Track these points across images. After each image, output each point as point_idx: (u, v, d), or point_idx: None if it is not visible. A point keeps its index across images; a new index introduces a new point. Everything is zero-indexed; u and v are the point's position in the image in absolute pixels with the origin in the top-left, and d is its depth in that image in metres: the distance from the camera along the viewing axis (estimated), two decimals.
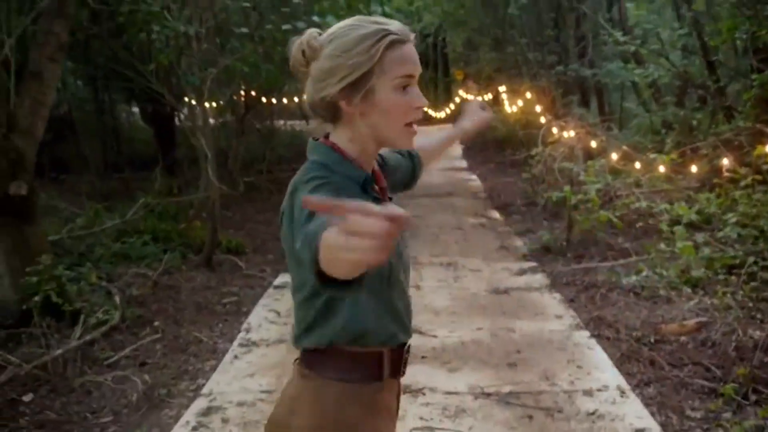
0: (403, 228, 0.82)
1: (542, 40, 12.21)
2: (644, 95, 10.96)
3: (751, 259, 4.74)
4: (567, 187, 6.46)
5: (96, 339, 4.12)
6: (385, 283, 1.38)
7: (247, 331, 4.44)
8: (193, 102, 6.16)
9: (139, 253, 5.85)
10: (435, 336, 4.25)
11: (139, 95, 10.34)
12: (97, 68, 10.07)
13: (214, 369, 3.85)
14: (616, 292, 4.90)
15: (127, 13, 5.89)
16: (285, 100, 10.32)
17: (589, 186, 6.37)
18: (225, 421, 3.23)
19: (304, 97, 1.43)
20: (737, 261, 4.85)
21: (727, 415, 3.16)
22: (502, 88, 12.51)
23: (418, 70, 1.38)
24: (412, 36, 1.38)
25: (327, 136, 1.43)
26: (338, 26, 1.37)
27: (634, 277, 5.04)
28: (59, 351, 3.81)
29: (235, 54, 6.30)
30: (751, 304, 4.29)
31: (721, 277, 4.77)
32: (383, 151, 1.54)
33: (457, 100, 18.50)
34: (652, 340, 4.02)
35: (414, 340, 4.07)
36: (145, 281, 5.21)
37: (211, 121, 7.10)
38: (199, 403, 3.42)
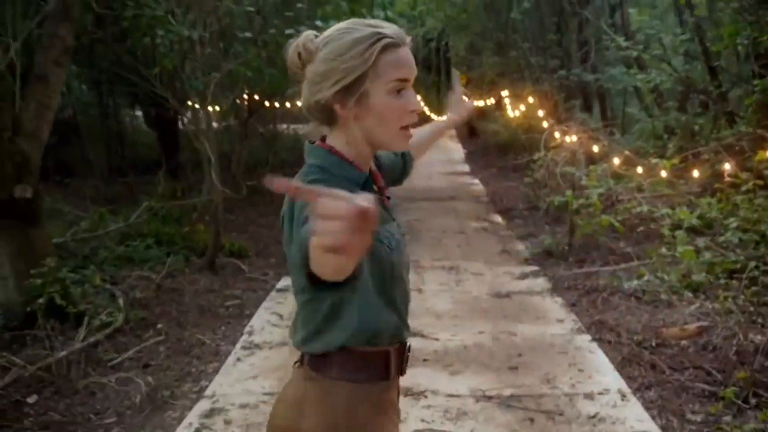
0: (372, 212, 0.81)
1: (545, 44, 12.24)
2: (646, 100, 10.97)
3: (752, 263, 4.75)
4: (569, 192, 6.48)
5: (100, 341, 4.14)
6: (388, 282, 1.39)
7: (250, 333, 4.46)
8: (197, 106, 6.18)
9: (143, 256, 5.87)
10: (437, 339, 4.27)
11: (143, 99, 10.40)
12: (101, 72, 10.13)
13: (216, 371, 3.88)
14: (618, 296, 4.92)
15: (132, 17, 5.92)
16: (288, 104, 10.34)
17: (591, 190, 6.39)
18: (228, 422, 3.25)
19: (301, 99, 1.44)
20: (738, 266, 4.87)
21: (728, 418, 3.18)
22: (504, 93, 12.55)
23: (413, 73, 1.37)
24: (408, 39, 1.37)
25: (323, 139, 1.43)
26: (333, 29, 1.37)
27: (635, 282, 5.05)
28: (63, 353, 3.84)
29: (239, 58, 6.33)
30: (752, 309, 4.30)
31: (722, 281, 4.79)
32: None
33: None
34: (653, 344, 4.03)
35: (416, 343, 4.11)
36: (148, 284, 5.24)
37: (215, 125, 7.13)
38: (202, 405, 3.44)
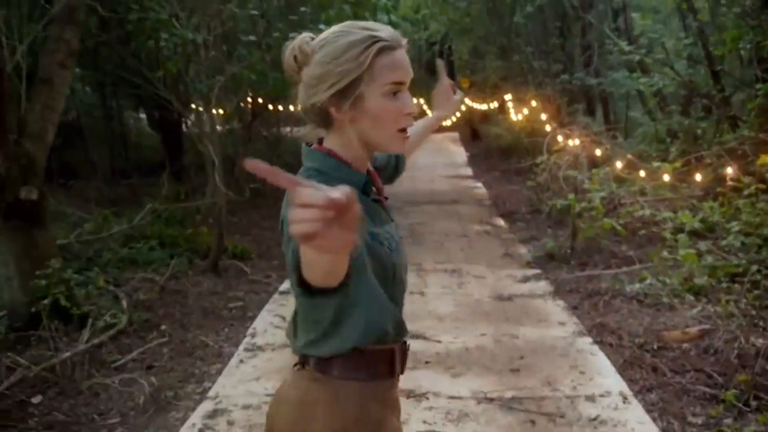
0: (345, 204, 0.80)
1: (548, 48, 12.27)
2: (649, 104, 10.98)
3: (754, 267, 4.76)
4: (571, 195, 6.49)
5: (104, 342, 4.17)
6: (390, 283, 1.40)
7: (253, 335, 4.48)
8: (201, 109, 6.22)
9: (147, 258, 5.90)
10: (439, 341, 4.28)
11: (146, 102, 10.44)
12: (105, 75, 10.17)
13: (220, 372, 3.90)
14: (620, 299, 4.93)
15: (136, 20, 5.96)
16: (292, 108, 10.37)
17: (594, 194, 6.40)
18: (231, 423, 3.27)
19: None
20: (740, 269, 4.88)
21: (728, 421, 3.18)
22: (507, 96, 12.59)
23: (408, 76, 1.36)
24: (404, 42, 1.37)
25: (320, 141, 1.43)
26: (329, 32, 1.36)
27: (637, 285, 5.06)
28: (67, 354, 3.86)
29: (243, 62, 6.36)
30: (753, 312, 4.30)
31: (724, 285, 4.79)
32: None
33: (463, 107, 18.56)
34: (655, 347, 4.04)
35: (418, 346, 4.14)
36: (152, 286, 5.26)
37: (218, 127, 7.16)
38: (205, 406, 3.46)
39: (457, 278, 5.74)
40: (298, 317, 1.42)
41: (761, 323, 4.16)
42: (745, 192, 5.51)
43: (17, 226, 4.33)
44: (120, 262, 5.77)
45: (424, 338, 4.32)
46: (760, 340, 3.84)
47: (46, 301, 4.09)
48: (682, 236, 5.32)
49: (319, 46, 1.34)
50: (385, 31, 1.34)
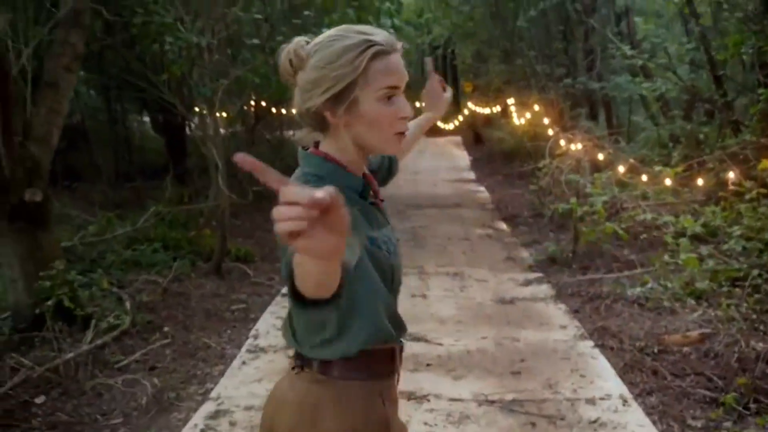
0: (327, 203, 0.80)
1: (551, 52, 12.29)
2: (652, 109, 10.99)
3: (756, 271, 4.76)
4: (573, 199, 6.51)
5: (107, 343, 4.19)
6: (389, 285, 1.41)
7: (255, 337, 4.50)
8: (205, 112, 6.25)
9: (150, 260, 5.93)
10: (440, 344, 4.30)
11: (151, 105, 10.49)
12: (110, 78, 10.22)
13: (222, 374, 3.92)
14: (621, 303, 4.94)
15: (141, 24, 5.99)
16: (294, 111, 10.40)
17: (596, 198, 6.42)
18: (233, 424, 3.30)
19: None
20: (741, 274, 4.88)
21: (728, 424, 3.20)
22: (510, 100, 12.61)
23: (403, 80, 1.36)
24: (399, 46, 1.36)
25: (316, 144, 1.43)
26: (324, 36, 1.36)
27: (638, 289, 5.07)
28: (71, 354, 3.89)
29: (247, 65, 6.40)
30: (754, 316, 4.31)
31: (725, 289, 4.80)
32: None
33: (466, 111, 18.62)
34: (656, 350, 4.05)
35: (420, 348, 4.15)
36: (155, 288, 5.29)
37: (222, 131, 7.19)
38: (208, 407, 3.49)
39: (459, 281, 5.76)
40: (298, 322, 1.41)
41: (762, 327, 4.16)
42: (747, 196, 5.53)
43: (22, 228, 4.36)
44: (123, 264, 5.79)
45: (426, 341, 4.34)
46: (761, 344, 3.85)
47: (50, 303, 4.11)
48: (683, 240, 5.33)
49: (314, 51, 1.34)
50: (380, 35, 1.34)
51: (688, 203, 6.58)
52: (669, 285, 5.01)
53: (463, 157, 16.27)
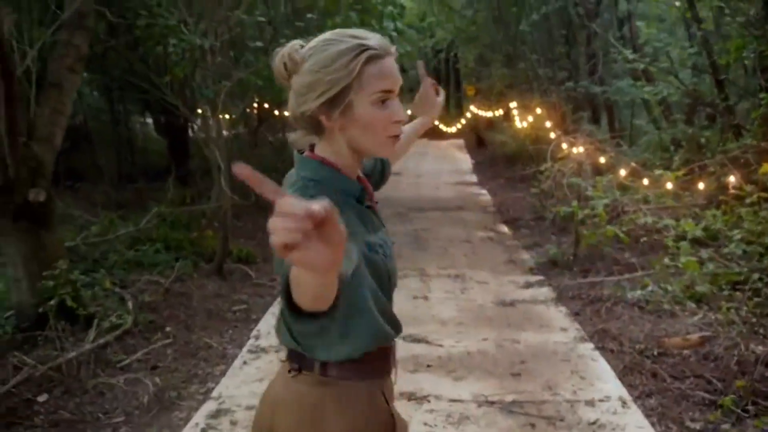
0: (322, 216, 0.80)
1: (553, 56, 12.33)
2: (654, 113, 11.01)
3: (756, 275, 4.78)
4: (575, 202, 6.53)
5: (109, 342, 4.21)
6: (386, 288, 1.42)
7: (257, 338, 4.52)
8: (207, 114, 6.27)
9: (152, 261, 5.95)
10: (441, 345, 4.32)
11: (153, 106, 10.52)
12: (113, 79, 10.25)
13: (223, 374, 3.94)
14: (621, 305, 4.95)
15: (144, 26, 6.02)
16: None
17: (597, 201, 6.43)
18: (233, 423, 3.31)
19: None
20: (742, 277, 4.90)
21: (726, 426, 3.21)
22: (513, 104, 12.64)
23: (397, 84, 1.37)
24: (392, 49, 1.37)
25: (312, 147, 1.44)
26: (318, 40, 1.37)
27: (639, 292, 5.09)
28: (73, 353, 3.92)
29: (249, 67, 6.42)
30: (754, 320, 4.32)
31: (725, 292, 4.82)
32: None
33: (468, 115, 18.66)
34: (655, 353, 4.06)
35: (420, 349, 4.17)
36: (157, 288, 5.31)
37: (225, 132, 7.22)
38: (209, 406, 3.51)
39: (461, 283, 5.77)
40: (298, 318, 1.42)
41: (761, 331, 4.18)
42: (748, 200, 5.54)
43: (25, 227, 4.38)
44: (126, 265, 5.81)
45: (427, 342, 4.36)
46: (760, 347, 3.86)
47: (52, 302, 4.13)
48: (684, 244, 5.35)
49: (308, 55, 1.35)
50: (373, 39, 1.35)
51: (689, 207, 6.60)
52: (669, 288, 5.02)
53: (465, 160, 16.29)
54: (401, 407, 3.32)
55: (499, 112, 15.84)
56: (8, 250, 4.41)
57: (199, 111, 6.87)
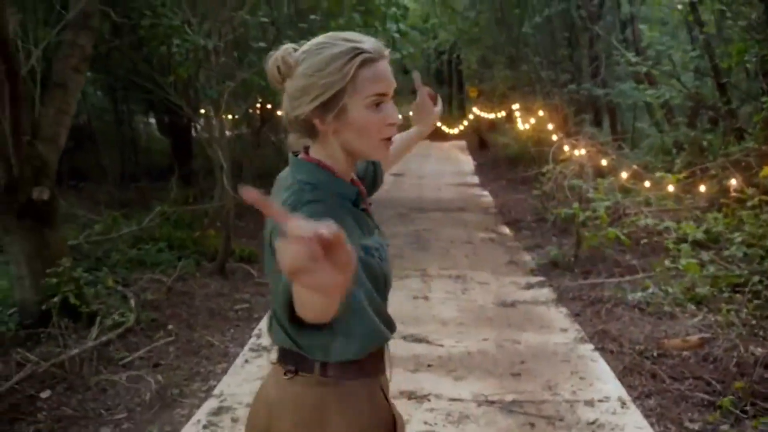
0: (331, 240, 0.80)
1: (556, 59, 12.35)
2: (657, 115, 11.03)
3: (756, 278, 4.80)
4: (576, 204, 6.55)
5: (111, 340, 4.24)
6: (382, 290, 1.42)
7: (258, 336, 4.54)
8: (210, 114, 6.30)
9: (155, 260, 5.98)
10: (441, 345, 4.34)
11: (157, 106, 10.56)
12: (117, 79, 10.28)
13: (225, 372, 3.97)
14: (622, 307, 4.97)
15: (149, 26, 6.05)
16: None
17: (598, 203, 6.45)
18: (235, 420, 3.34)
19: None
20: (742, 280, 4.92)
21: (725, 427, 3.23)
22: (515, 106, 12.67)
23: (391, 87, 1.37)
24: (386, 52, 1.37)
25: (306, 150, 1.44)
26: (312, 43, 1.36)
27: (639, 293, 5.10)
28: (76, 350, 3.94)
29: (253, 68, 6.45)
30: (754, 322, 4.34)
31: (725, 295, 4.83)
32: None
33: (471, 116, 18.69)
34: (655, 354, 4.08)
35: (421, 349, 4.19)
36: (159, 286, 5.34)
37: (228, 133, 7.24)
38: (210, 404, 3.53)
39: (462, 284, 5.79)
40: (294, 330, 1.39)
41: (761, 333, 4.20)
42: (749, 203, 5.57)
43: (29, 225, 4.41)
44: (128, 263, 5.84)
45: (427, 342, 4.38)
46: (759, 349, 3.88)
47: (56, 299, 4.15)
48: (684, 246, 5.37)
49: (302, 58, 1.35)
50: (367, 42, 1.35)
51: (691, 209, 6.62)
52: (670, 290, 5.04)
53: (467, 162, 16.31)
54: (402, 406, 3.34)
55: (502, 114, 15.88)
56: (12, 247, 4.44)
57: (203, 111, 6.90)
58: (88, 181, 9.94)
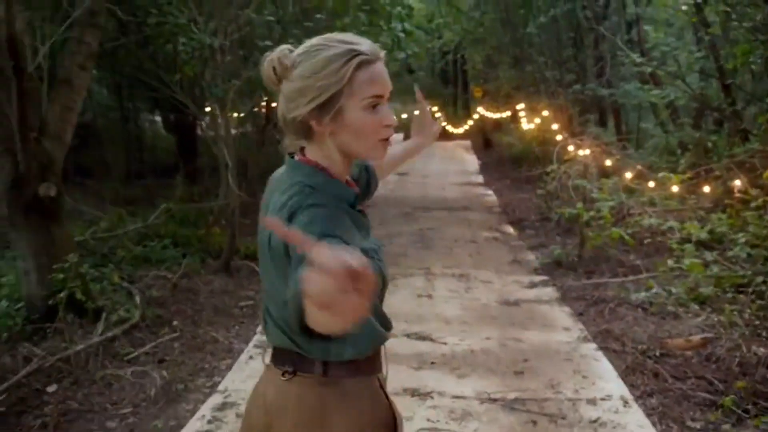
0: (364, 274, 0.80)
1: (561, 59, 12.34)
2: (662, 116, 11.03)
3: (760, 278, 4.81)
4: (580, 204, 6.55)
5: (117, 336, 4.27)
6: (380, 289, 1.42)
7: (263, 333, 4.56)
8: (216, 112, 6.33)
9: (160, 257, 6.01)
10: (445, 343, 4.36)
11: (162, 104, 10.59)
12: (122, 77, 10.33)
13: (229, 368, 3.99)
14: (625, 306, 4.98)
15: (155, 24, 6.08)
16: None
17: (602, 203, 6.46)
18: (239, 416, 3.36)
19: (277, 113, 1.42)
20: (745, 280, 4.92)
21: (727, 426, 3.24)
22: (520, 106, 12.67)
23: (387, 89, 1.37)
24: (382, 54, 1.37)
25: (302, 150, 1.44)
26: (308, 45, 1.36)
27: (643, 293, 5.11)
28: (82, 345, 3.98)
29: (258, 66, 6.47)
30: (757, 322, 4.35)
31: (729, 295, 4.84)
32: None
33: (476, 116, 18.69)
34: (658, 353, 4.09)
35: (425, 347, 4.21)
36: (164, 283, 5.37)
37: (233, 131, 7.27)
38: (215, 399, 3.56)
39: (465, 283, 5.81)
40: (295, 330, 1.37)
41: (764, 333, 4.20)
42: (753, 204, 5.57)
43: (36, 221, 4.44)
44: (134, 260, 5.88)
45: (431, 340, 4.40)
46: (762, 349, 3.89)
47: (62, 295, 4.18)
48: (688, 246, 5.38)
49: (298, 60, 1.35)
50: (364, 44, 1.35)
51: (695, 210, 6.62)
52: (673, 290, 5.04)
53: (472, 161, 16.32)
54: (405, 403, 3.38)
55: (506, 113, 15.87)
56: (19, 243, 4.48)
57: (208, 109, 6.92)
58: (93, 178, 9.98)
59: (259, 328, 4.65)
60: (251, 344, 4.36)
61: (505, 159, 15.07)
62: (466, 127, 18.86)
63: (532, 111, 11.75)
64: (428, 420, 3.32)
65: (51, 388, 3.60)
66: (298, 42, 1.43)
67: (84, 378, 3.74)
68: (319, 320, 1.00)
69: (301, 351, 1.37)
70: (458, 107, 24.91)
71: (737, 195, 5.94)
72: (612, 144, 9.43)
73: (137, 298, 4.86)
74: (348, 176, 1.48)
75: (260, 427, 1.43)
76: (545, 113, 10.77)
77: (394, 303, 1.34)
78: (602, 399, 3.55)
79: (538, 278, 5.95)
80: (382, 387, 1.50)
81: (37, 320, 4.31)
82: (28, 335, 4.20)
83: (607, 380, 3.79)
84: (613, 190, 6.97)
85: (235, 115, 7.93)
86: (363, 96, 1.33)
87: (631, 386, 3.72)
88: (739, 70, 7.68)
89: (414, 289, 5.53)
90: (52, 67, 5.13)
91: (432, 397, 3.56)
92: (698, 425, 3.29)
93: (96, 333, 4.21)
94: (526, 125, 11.98)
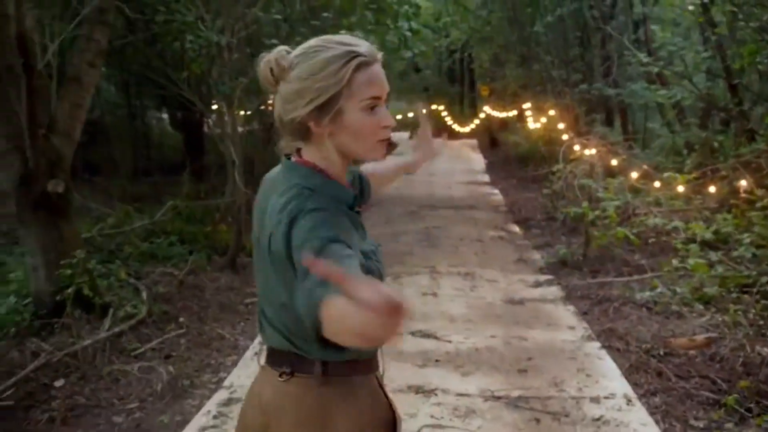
0: (404, 308, 0.81)
1: (568, 58, 12.34)
2: (668, 116, 11.01)
3: (764, 278, 4.80)
4: (586, 204, 6.56)
5: (124, 331, 4.31)
6: None
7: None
8: (223, 110, 6.35)
9: (166, 253, 6.05)
10: (449, 341, 4.37)
11: (170, 102, 10.63)
12: (130, 74, 10.37)
13: (235, 364, 4.03)
14: (629, 306, 4.98)
15: (162, 22, 6.11)
16: None
17: (608, 203, 6.46)
18: None
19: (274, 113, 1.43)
20: (750, 280, 4.92)
21: (729, 425, 3.25)
22: (526, 105, 12.67)
23: (385, 90, 1.37)
24: (379, 56, 1.37)
25: (299, 151, 1.43)
26: (306, 46, 1.36)
27: (647, 293, 5.12)
28: (89, 341, 4.02)
29: None
30: (761, 322, 4.35)
31: (733, 295, 4.84)
32: None
33: (482, 115, 18.69)
34: (661, 352, 4.10)
35: (429, 345, 4.23)
36: (171, 280, 5.41)
37: (239, 129, 7.30)
38: (221, 395, 3.59)
39: (470, 281, 5.82)
40: (297, 330, 1.35)
41: None
42: (759, 204, 5.57)
43: (44, 217, 4.48)
44: (141, 256, 5.92)
45: (436, 338, 4.42)
46: (766, 349, 3.89)
47: (70, 290, 4.22)
48: (693, 246, 5.38)
49: (296, 61, 1.35)
50: (362, 46, 1.35)
51: (700, 210, 6.62)
52: (678, 290, 5.05)
53: (478, 160, 16.32)
54: (409, 400, 3.40)
55: (513, 112, 15.87)
56: (27, 239, 4.52)
57: (215, 107, 6.96)
58: (100, 175, 10.03)
59: None
60: (256, 341, 4.38)
61: (511, 158, 15.07)
62: (473, 126, 18.87)
63: (539, 110, 11.76)
64: (432, 417, 3.33)
65: (58, 383, 3.64)
66: (305, 40, 1.43)
67: (91, 373, 3.78)
68: (345, 340, 1.01)
69: (299, 352, 1.37)
70: (465, 106, 24.91)
71: (743, 195, 5.94)
72: (618, 144, 9.42)
73: (144, 295, 4.90)
74: (345, 179, 1.48)
75: (256, 427, 1.42)
76: (552, 112, 10.79)
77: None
78: (606, 397, 3.57)
79: (543, 277, 5.96)
80: (381, 385, 1.51)
81: (44, 316, 4.35)
82: (36, 330, 4.24)
83: (610, 379, 3.80)
84: (618, 190, 6.98)
85: (242, 112, 7.95)
86: (362, 97, 1.33)
87: (635, 385, 3.73)
88: (746, 70, 7.66)
89: (419, 287, 5.55)
90: (62, 64, 5.17)
91: (436, 395, 3.58)
92: (701, 424, 3.30)
93: (103, 328, 4.25)
94: (532, 124, 11.98)
